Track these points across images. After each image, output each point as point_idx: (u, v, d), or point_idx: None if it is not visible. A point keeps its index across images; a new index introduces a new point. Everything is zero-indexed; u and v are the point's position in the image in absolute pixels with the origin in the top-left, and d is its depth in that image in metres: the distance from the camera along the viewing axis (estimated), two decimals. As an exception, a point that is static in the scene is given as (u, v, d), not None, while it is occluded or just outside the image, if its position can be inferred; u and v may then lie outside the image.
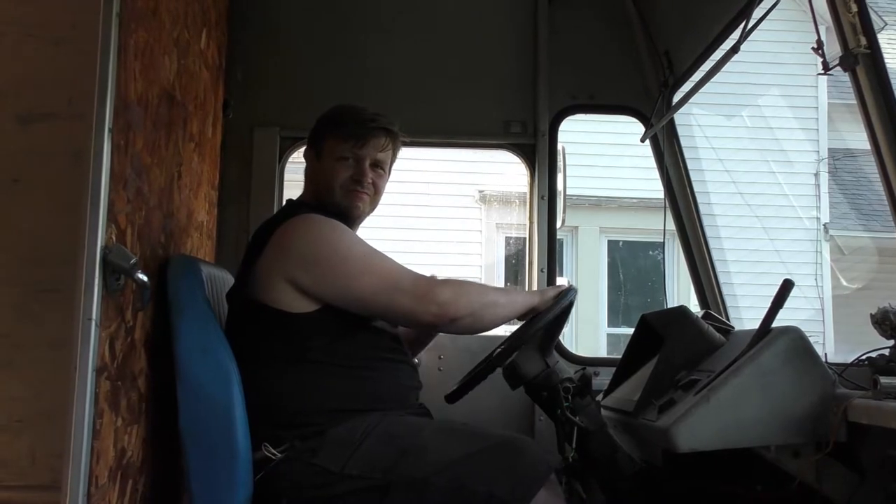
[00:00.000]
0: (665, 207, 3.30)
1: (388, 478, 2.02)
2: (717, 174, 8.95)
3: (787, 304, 2.09)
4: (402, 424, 2.16)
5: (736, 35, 2.53)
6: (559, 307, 2.26)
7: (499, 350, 2.27)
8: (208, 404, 2.06)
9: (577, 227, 10.20)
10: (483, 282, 9.64)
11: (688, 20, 3.03)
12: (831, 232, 10.29)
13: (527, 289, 3.34)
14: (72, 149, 2.21)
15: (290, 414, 2.15)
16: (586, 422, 2.21)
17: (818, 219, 10.27)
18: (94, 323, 1.73)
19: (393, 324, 2.34)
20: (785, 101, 10.25)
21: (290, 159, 3.36)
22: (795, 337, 2.04)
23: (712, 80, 2.76)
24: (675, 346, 2.30)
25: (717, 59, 2.69)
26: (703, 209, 3.27)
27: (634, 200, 9.85)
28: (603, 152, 9.34)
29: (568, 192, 3.38)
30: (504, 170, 9.01)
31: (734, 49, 2.43)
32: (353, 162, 2.37)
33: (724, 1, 2.70)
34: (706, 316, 2.54)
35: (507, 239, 10.18)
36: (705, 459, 2.06)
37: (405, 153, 2.54)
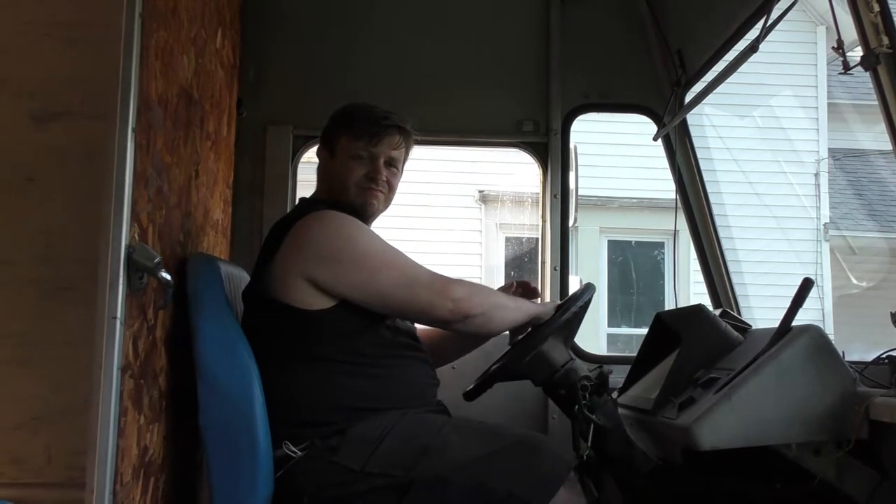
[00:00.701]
0: (676, 207, 3.30)
1: (410, 476, 2.02)
2: (721, 174, 8.95)
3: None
4: (422, 423, 2.16)
5: (751, 34, 2.53)
6: (581, 302, 2.27)
7: (520, 347, 2.28)
8: (228, 402, 2.06)
9: (577, 227, 10.19)
10: (483, 282, 9.63)
11: (701, 19, 3.03)
12: (832, 232, 10.31)
13: (538, 286, 3.34)
14: (89, 148, 2.21)
15: (308, 412, 2.14)
16: (604, 419, 2.21)
17: (818, 219, 10.29)
18: (118, 321, 1.74)
19: (409, 319, 2.34)
20: (785, 100, 10.26)
21: (300, 160, 3.36)
22: (816, 335, 2.04)
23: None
24: (693, 345, 2.30)
25: (731, 58, 2.69)
26: (715, 209, 3.26)
27: (635, 200, 9.85)
28: (603, 152, 9.34)
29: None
30: (505, 170, 9.02)
31: (752, 48, 2.42)
32: (368, 160, 2.37)
33: (737, 0, 2.71)
34: (723, 314, 2.54)
35: (508, 239, 10.16)
36: (724, 457, 2.06)
37: (408, 152, 2.54)
